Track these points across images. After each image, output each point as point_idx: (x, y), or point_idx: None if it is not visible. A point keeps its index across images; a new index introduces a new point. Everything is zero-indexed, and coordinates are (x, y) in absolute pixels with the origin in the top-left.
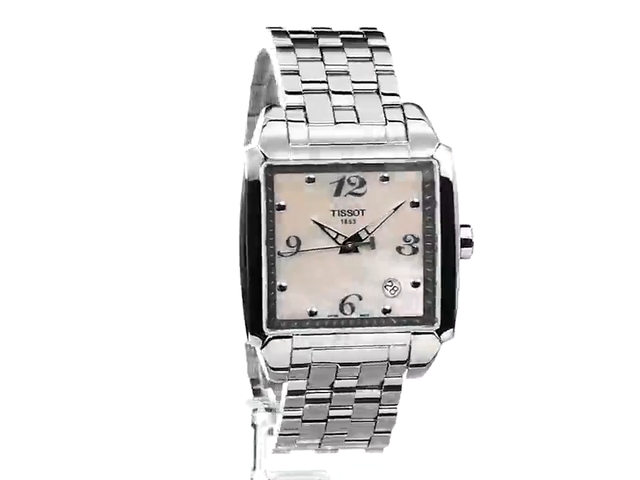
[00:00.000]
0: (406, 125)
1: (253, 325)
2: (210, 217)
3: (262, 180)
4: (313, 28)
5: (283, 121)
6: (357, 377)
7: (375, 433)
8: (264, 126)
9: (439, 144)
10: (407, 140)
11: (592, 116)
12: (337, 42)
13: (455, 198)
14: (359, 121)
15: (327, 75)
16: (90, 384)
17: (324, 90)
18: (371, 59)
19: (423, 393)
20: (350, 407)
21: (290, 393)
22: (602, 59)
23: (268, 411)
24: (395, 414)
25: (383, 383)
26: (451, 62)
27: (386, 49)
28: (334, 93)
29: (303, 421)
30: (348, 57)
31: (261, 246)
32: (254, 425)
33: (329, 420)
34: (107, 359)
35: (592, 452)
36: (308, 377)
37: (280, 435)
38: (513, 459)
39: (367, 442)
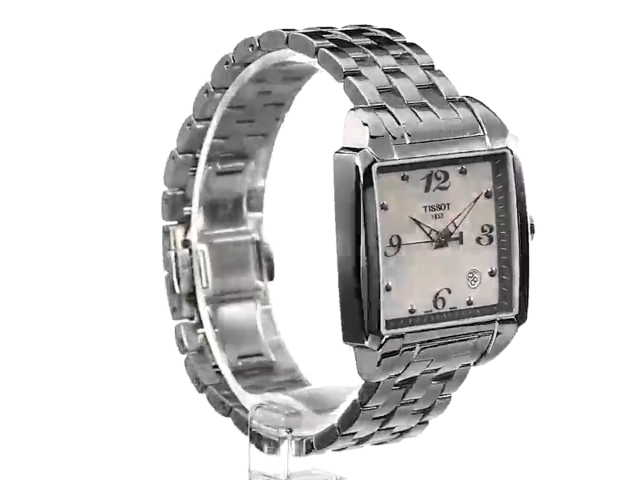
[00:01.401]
0: (477, 118)
1: (371, 327)
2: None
3: (375, 181)
4: (309, 29)
5: (380, 122)
6: (440, 367)
7: (418, 423)
8: (366, 127)
9: (509, 134)
10: (484, 132)
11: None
12: (369, 41)
13: (525, 186)
14: (439, 117)
15: (384, 73)
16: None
17: (390, 88)
18: (408, 56)
19: None
20: (416, 399)
21: (383, 383)
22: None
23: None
24: (450, 399)
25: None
26: None
27: (416, 45)
28: (403, 91)
29: (373, 418)
30: (393, 56)
31: (378, 247)
32: (290, 430)
33: (395, 411)
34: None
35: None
36: (400, 373)
37: (342, 435)
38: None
39: (400, 434)
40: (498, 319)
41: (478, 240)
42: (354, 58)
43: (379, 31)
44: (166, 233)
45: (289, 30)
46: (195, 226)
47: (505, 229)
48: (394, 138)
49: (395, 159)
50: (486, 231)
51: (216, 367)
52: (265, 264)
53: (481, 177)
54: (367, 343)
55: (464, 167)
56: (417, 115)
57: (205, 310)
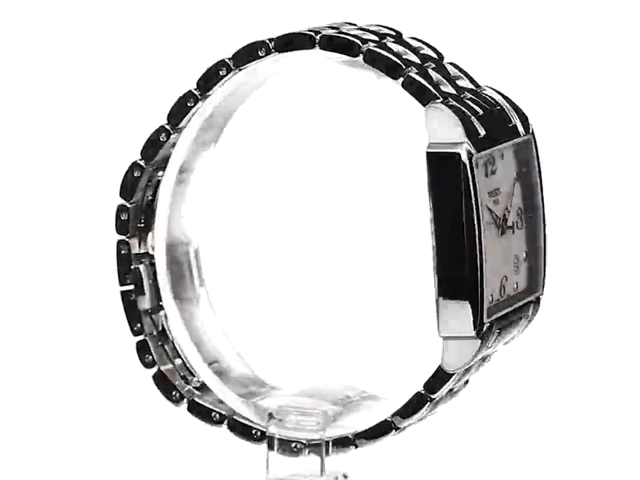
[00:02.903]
0: (506, 106)
1: (478, 318)
2: None
3: (476, 172)
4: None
5: (463, 115)
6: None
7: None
8: (459, 122)
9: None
10: (514, 119)
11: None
12: (391, 39)
13: (542, 169)
14: (488, 108)
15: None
16: None
17: (438, 82)
18: (425, 52)
19: None
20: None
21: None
22: None
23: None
24: (467, 382)
25: None
26: None
27: (423, 41)
28: (450, 84)
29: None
30: (416, 52)
31: (482, 237)
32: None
33: (444, 397)
34: None
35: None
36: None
37: (405, 426)
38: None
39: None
40: (532, 300)
41: (517, 224)
42: (397, 56)
43: (382, 28)
44: (125, 247)
45: (313, 31)
46: (161, 237)
47: (531, 211)
48: (475, 130)
49: (481, 150)
50: (520, 214)
51: (184, 377)
52: (200, 270)
53: (512, 161)
54: (473, 333)
55: (503, 151)
56: (472, 106)
57: (176, 319)
